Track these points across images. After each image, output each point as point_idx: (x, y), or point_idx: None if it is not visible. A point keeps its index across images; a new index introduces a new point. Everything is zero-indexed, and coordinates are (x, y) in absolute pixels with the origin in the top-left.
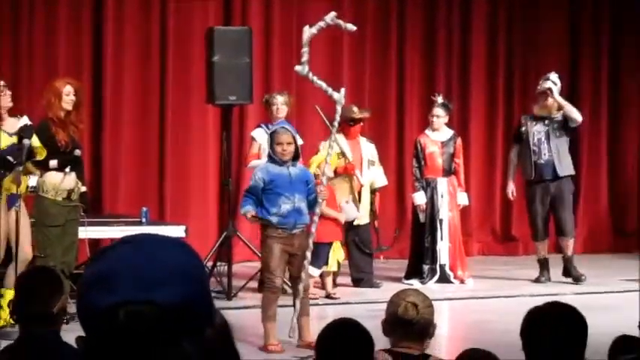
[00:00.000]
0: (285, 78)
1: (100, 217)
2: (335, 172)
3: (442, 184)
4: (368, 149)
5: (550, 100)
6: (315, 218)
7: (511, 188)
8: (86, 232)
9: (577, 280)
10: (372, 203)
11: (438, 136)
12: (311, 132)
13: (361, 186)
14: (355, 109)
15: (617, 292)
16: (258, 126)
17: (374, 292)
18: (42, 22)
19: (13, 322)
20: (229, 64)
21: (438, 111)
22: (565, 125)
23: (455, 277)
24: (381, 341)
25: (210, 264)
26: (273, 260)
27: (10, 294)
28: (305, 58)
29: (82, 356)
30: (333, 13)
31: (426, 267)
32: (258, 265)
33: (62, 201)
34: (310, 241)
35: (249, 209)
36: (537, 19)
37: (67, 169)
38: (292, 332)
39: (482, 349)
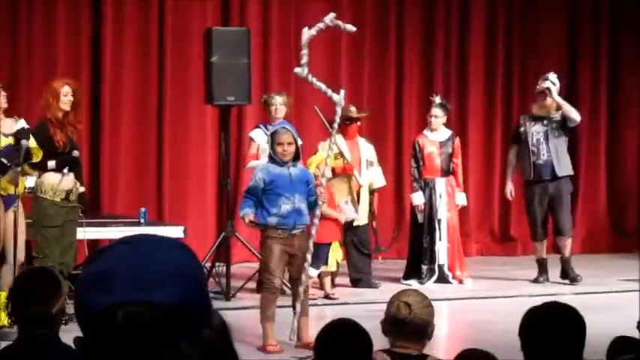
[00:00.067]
0: (283, 78)
1: (98, 217)
2: (333, 172)
3: (440, 185)
4: (367, 150)
5: (549, 100)
6: (316, 221)
7: (509, 188)
8: (84, 233)
9: (573, 280)
10: (370, 204)
11: (436, 136)
12: (310, 132)
13: (360, 186)
14: (353, 108)
15: (615, 292)
16: (257, 126)
17: (372, 292)
18: (40, 22)
19: (11, 323)
20: (228, 64)
21: (437, 111)
22: (564, 125)
23: (453, 278)
24: (379, 341)
25: (208, 264)
26: (272, 261)
27: (3, 295)
28: (304, 60)
29: (80, 357)
30: (332, 15)
31: (424, 267)
32: (256, 265)
33: (60, 202)
34: (310, 243)
35: (247, 213)
36: (536, 20)
37: (66, 170)
38: (293, 335)
39: (480, 350)
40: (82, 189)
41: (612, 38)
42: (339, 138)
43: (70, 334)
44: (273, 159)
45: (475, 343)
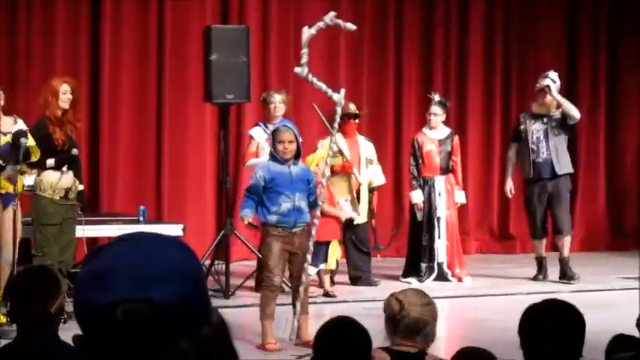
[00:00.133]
0: (282, 76)
1: (97, 215)
2: (332, 170)
3: (439, 183)
4: (366, 148)
5: (548, 98)
6: (316, 221)
7: (509, 185)
8: (83, 231)
9: (571, 278)
10: (370, 202)
11: (435, 134)
12: (309, 130)
13: (359, 184)
14: (352, 106)
15: (615, 289)
16: (257, 125)
17: (371, 290)
18: (39, 21)
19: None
20: (227, 62)
21: (436, 109)
22: (564, 123)
23: (452, 276)
24: (378, 339)
25: (207, 262)
26: (272, 259)
27: None
28: (304, 59)
29: (79, 355)
30: (332, 13)
31: (423, 265)
32: (255, 263)
33: (59, 200)
34: (310, 243)
35: (247, 214)
36: (535, 18)
37: (65, 168)
38: (292, 335)
39: (478, 347)
40: (81, 187)
41: (611, 37)
42: (338, 136)
43: (69, 332)
44: (274, 157)
45: (474, 341)
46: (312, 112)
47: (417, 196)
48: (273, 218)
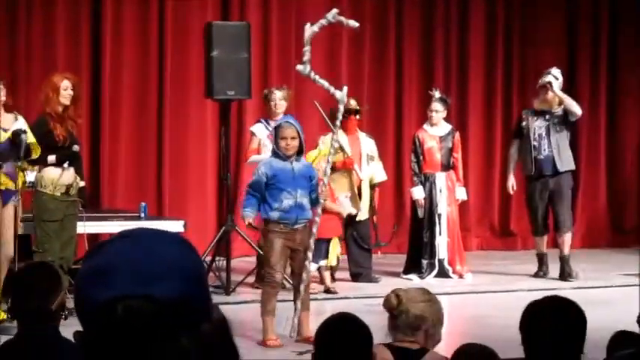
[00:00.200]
0: (283, 73)
1: (98, 212)
2: (333, 166)
3: (440, 179)
4: (367, 144)
5: (550, 95)
6: (317, 219)
7: (512, 182)
8: (85, 227)
9: (569, 276)
10: (371, 199)
11: (436, 130)
12: (310, 127)
13: (360, 181)
14: (353, 102)
15: (615, 286)
16: (258, 121)
17: (372, 286)
18: (40, 19)
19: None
20: (228, 59)
21: (437, 106)
22: (565, 120)
23: (453, 272)
24: (379, 336)
25: (208, 259)
26: (273, 255)
27: None
28: (307, 57)
29: (80, 351)
30: (334, 10)
31: (424, 262)
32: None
33: (60, 196)
34: (311, 241)
35: (248, 215)
36: (535, 17)
37: (66, 165)
38: (293, 332)
39: (479, 344)
40: (82, 183)
41: (611, 35)
42: (339, 132)
43: (70, 328)
44: (276, 153)
45: (475, 337)
46: (313, 108)
47: (418, 193)
48: (274, 215)
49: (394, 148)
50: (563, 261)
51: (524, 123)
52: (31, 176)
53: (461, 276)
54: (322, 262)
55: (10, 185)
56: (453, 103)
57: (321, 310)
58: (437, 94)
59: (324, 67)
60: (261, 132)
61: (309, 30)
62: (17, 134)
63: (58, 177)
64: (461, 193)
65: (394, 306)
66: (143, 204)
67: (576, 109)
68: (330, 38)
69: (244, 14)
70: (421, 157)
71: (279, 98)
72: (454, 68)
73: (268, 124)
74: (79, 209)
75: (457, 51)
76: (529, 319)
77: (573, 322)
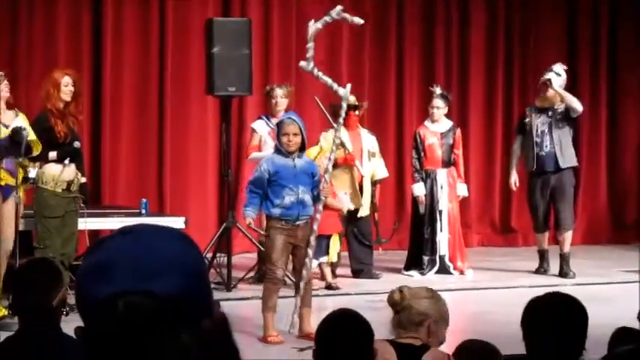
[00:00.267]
0: (284, 69)
1: (99, 208)
2: (334, 163)
3: (441, 176)
4: (369, 141)
5: (550, 92)
6: (318, 216)
7: (514, 178)
8: (86, 224)
9: (565, 275)
10: (372, 195)
11: (437, 127)
12: (311, 123)
13: (362, 177)
14: (352, 97)
15: (616, 282)
16: (259, 118)
17: (373, 283)
18: (41, 17)
19: (11, 313)
20: (229, 55)
21: (438, 102)
22: (568, 116)
23: (454, 269)
24: (380, 332)
25: (209, 255)
26: (275, 251)
27: None
28: (310, 53)
29: (81, 347)
30: (339, 7)
31: (425, 258)
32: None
33: (62, 192)
34: (312, 238)
35: (249, 215)
36: (536, 15)
37: (67, 161)
38: (292, 328)
39: (480, 340)
40: (83, 180)
41: (611, 33)
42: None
43: (71, 324)
44: (278, 150)
45: (476, 333)
46: (313, 105)
47: (419, 189)
48: (276, 211)
49: (395, 144)
50: (562, 259)
51: (527, 119)
52: (32, 172)
53: (462, 272)
54: (323, 259)
55: (11, 181)
56: (453, 101)
57: (322, 307)
58: (438, 90)
59: (325, 64)
60: (262, 129)
61: (313, 27)
62: (17, 132)
63: (59, 173)
64: (462, 190)
65: (398, 302)
66: (144, 200)
67: (577, 105)
68: (330, 36)
69: (245, 10)
70: (422, 154)
71: (281, 96)
72: (455, 66)
73: (269, 120)
74: (80, 205)
75: (458, 48)
76: (531, 315)
77: (575, 319)
